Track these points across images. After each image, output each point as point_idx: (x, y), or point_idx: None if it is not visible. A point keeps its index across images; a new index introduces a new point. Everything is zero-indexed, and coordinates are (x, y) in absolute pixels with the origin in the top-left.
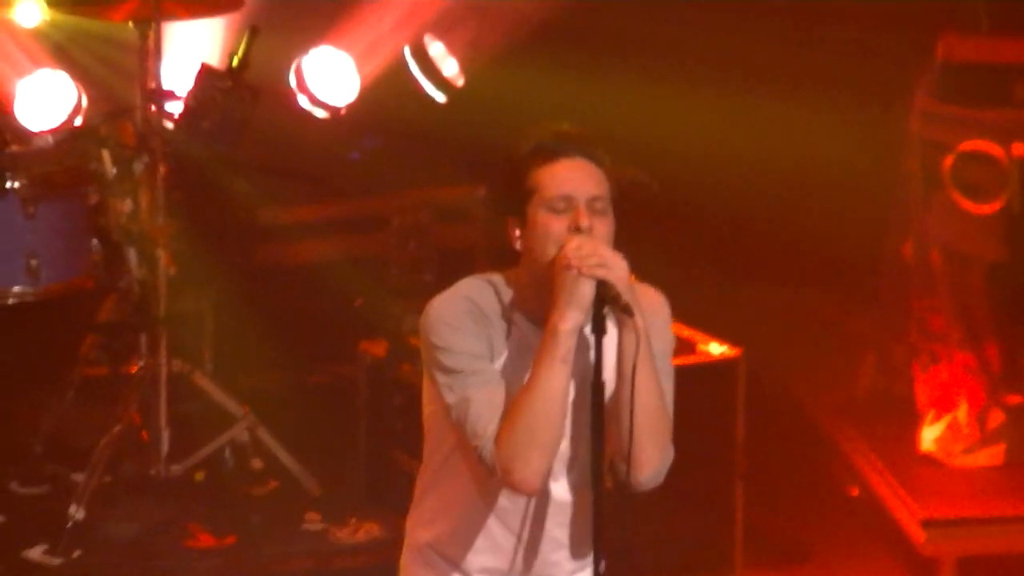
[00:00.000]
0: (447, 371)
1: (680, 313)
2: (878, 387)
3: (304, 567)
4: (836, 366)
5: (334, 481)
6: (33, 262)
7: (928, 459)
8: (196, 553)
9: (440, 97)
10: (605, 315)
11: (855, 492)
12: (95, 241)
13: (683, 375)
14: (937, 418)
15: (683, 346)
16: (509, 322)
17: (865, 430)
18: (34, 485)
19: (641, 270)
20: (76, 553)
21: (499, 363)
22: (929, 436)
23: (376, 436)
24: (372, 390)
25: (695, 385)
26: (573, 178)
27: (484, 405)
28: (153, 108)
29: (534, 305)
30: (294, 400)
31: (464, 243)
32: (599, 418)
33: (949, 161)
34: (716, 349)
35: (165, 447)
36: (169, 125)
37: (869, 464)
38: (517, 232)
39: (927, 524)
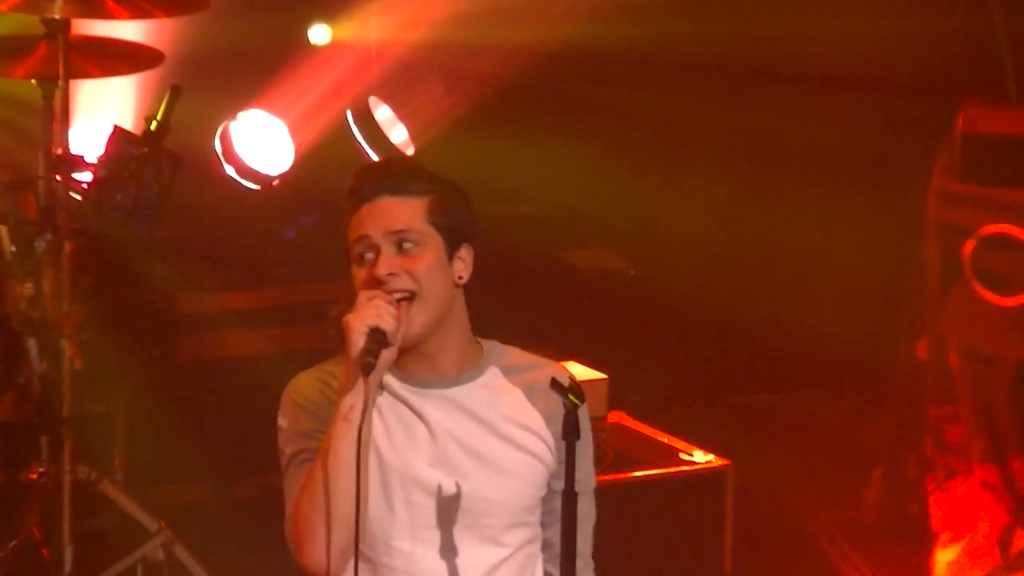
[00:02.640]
0: (280, 453)
1: (661, 418)
2: (886, 505)
3: None
4: (839, 481)
5: None
6: None
7: None
8: None
9: None
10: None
11: None
12: None
13: (663, 486)
14: (953, 541)
15: (664, 454)
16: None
17: (871, 554)
18: None
19: (614, 367)
20: None
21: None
22: (943, 560)
23: None
24: None
25: (677, 498)
26: (371, 221)
27: (293, 484)
28: (58, 178)
29: (400, 359)
30: (218, 515)
31: None
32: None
33: (970, 247)
34: (701, 458)
35: (68, 566)
36: (77, 197)
37: None
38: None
39: None
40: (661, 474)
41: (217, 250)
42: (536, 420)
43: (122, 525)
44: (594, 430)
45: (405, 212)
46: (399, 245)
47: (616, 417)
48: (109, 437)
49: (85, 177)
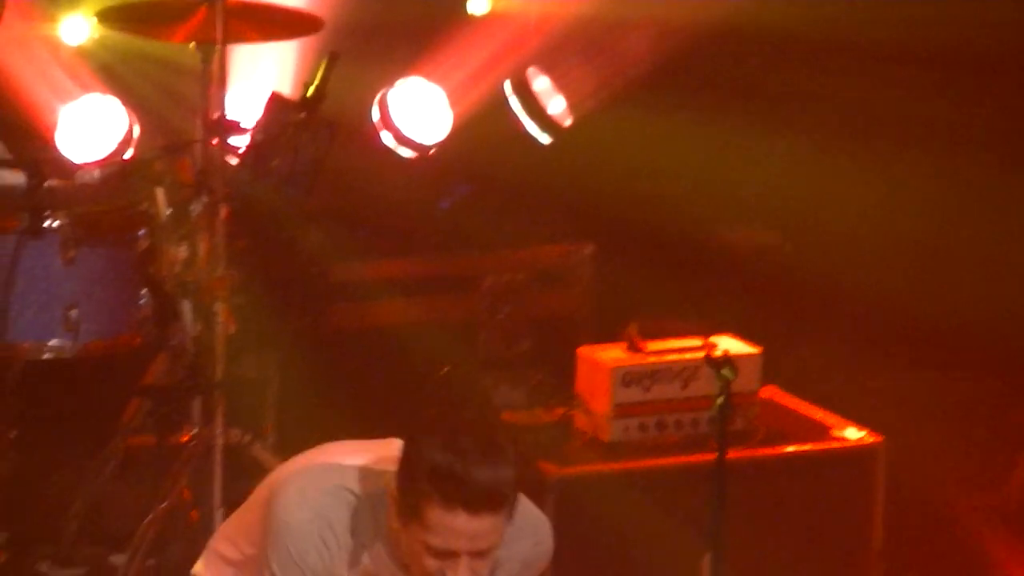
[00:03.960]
0: None
1: (814, 393)
2: None
3: None
4: (990, 464)
5: None
6: (72, 314)
7: None
8: None
9: (544, 139)
10: None
11: None
12: (144, 292)
13: (813, 463)
14: None
15: (815, 430)
16: (365, 550)
17: (1017, 538)
18: (68, 567)
19: (769, 342)
20: None
21: None
22: None
23: None
24: None
25: (827, 476)
26: (466, 537)
27: None
28: (215, 142)
29: (399, 548)
30: None
31: (565, 309)
32: None
33: None
34: (853, 434)
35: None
36: (233, 162)
37: None
38: (394, 501)
39: None
40: (812, 450)
41: (371, 218)
42: None
43: None
44: (746, 404)
45: (496, 530)
46: (476, 555)
47: (769, 392)
48: (261, 401)
49: (241, 142)
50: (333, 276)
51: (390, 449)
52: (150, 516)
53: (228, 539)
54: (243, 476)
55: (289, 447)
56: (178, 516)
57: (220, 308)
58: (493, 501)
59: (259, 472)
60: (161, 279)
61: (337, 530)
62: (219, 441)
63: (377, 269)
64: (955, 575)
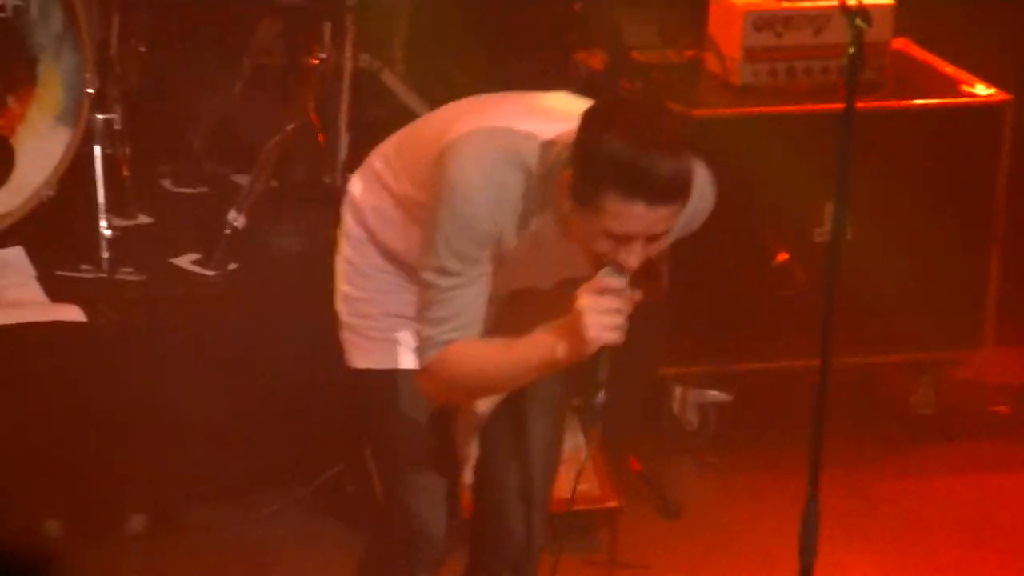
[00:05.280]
0: (434, 253)
1: (946, 49)
2: None
3: None
4: None
5: None
6: None
7: None
8: None
9: None
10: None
11: None
12: None
13: (940, 117)
14: None
15: (945, 84)
16: (534, 216)
17: None
18: (190, 185)
19: None
20: (232, 266)
21: (507, 247)
22: None
23: None
24: None
25: (954, 130)
26: (644, 224)
27: (449, 306)
28: None
29: (563, 219)
30: None
31: None
32: None
33: None
34: (983, 91)
35: (343, 153)
36: None
37: None
38: (569, 188)
39: None
40: (940, 104)
41: None
42: None
43: (399, 116)
44: (877, 55)
45: (673, 216)
46: (650, 239)
47: (900, 44)
48: (392, 27)
49: None
50: None
51: (561, 118)
52: (276, 137)
53: (389, 166)
54: (371, 102)
55: (418, 75)
56: (304, 138)
57: None
58: (673, 193)
59: (387, 98)
60: None
61: (510, 196)
62: (348, 65)
63: None
64: None
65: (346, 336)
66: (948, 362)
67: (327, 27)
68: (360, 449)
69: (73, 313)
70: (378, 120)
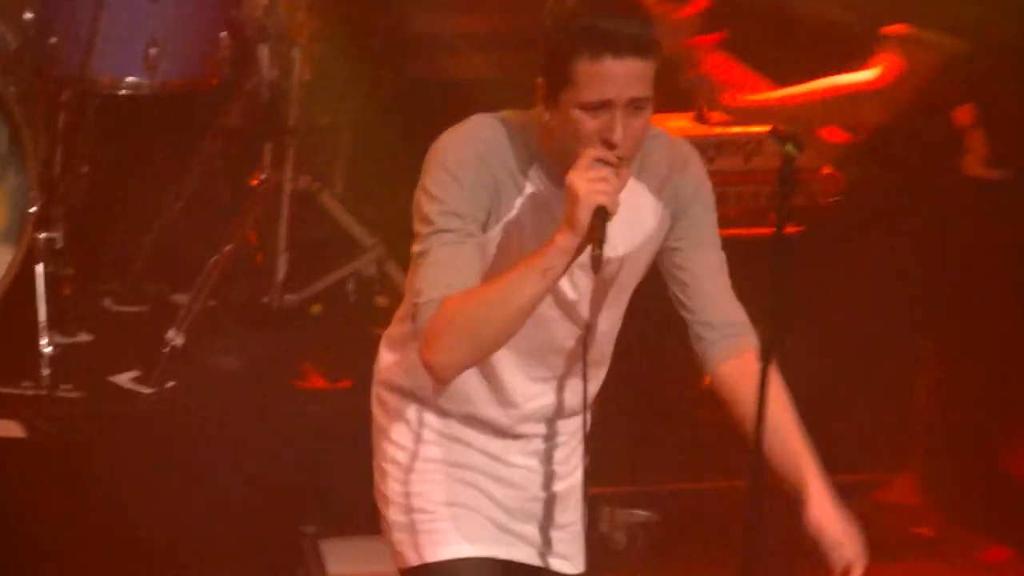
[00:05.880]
0: (423, 219)
1: None
2: None
3: None
4: None
5: None
6: (152, 51)
7: None
8: (304, 395)
9: None
10: (603, 239)
11: None
12: (224, 35)
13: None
14: None
15: None
16: (525, 175)
17: None
18: (130, 304)
19: None
20: (170, 383)
21: (507, 218)
22: None
23: None
24: None
25: (883, 255)
26: (616, 82)
27: (441, 266)
28: None
29: (555, 164)
30: None
31: None
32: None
33: None
34: None
35: (281, 273)
36: None
37: None
38: (543, 100)
39: None
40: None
41: None
42: (649, 207)
43: (337, 237)
44: (809, 180)
45: (646, 77)
46: (631, 108)
47: (831, 169)
48: (332, 149)
49: None
50: (412, 28)
51: None
52: (215, 256)
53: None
54: (310, 223)
55: (357, 196)
56: (243, 258)
57: (297, 54)
58: (637, 44)
59: (326, 219)
60: (241, 22)
61: (495, 148)
62: (288, 186)
63: (456, 23)
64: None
65: (399, 538)
66: (873, 484)
67: (267, 149)
68: None
69: (12, 429)
70: (317, 241)
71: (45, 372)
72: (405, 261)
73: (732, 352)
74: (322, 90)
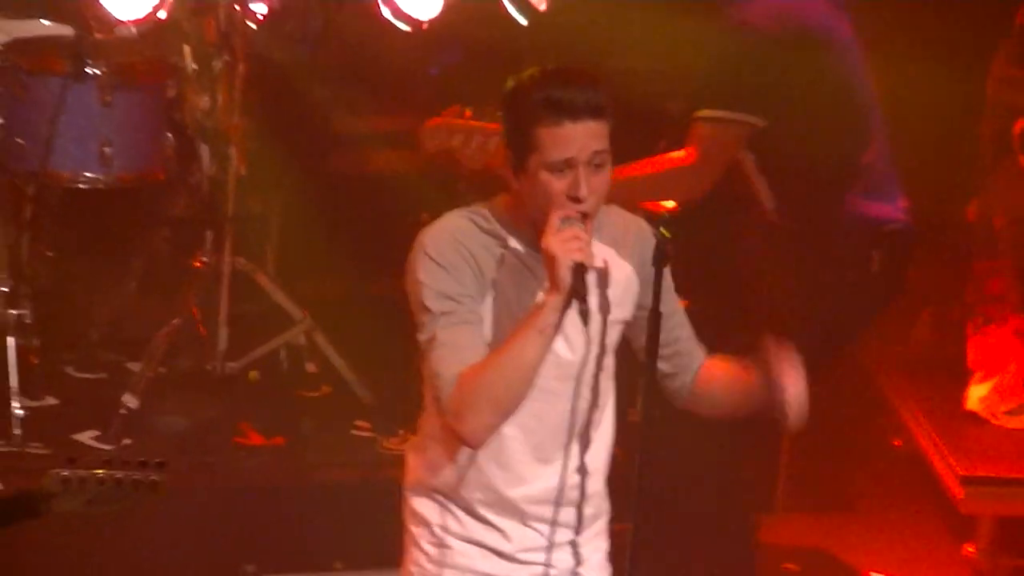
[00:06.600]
0: (421, 308)
1: None
2: (932, 343)
3: (350, 474)
4: (893, 319)
5: (387, 392)
6: (107, 150)
7: (972, 417)
8: (244, 450)
9: (522, 20)
10: (585, 292)
11: (899, 444)
12: (169, 135)
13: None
14: (985, 378)
15: None
16: (503, 248)
17: (914, 384)
18: (90, 371)
19: None
20: (126, 441)
21: (493, 293)
22: (975, 395)
23: None
24: None
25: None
26: (577, 142)
27: (449, 347)
28: (238, 7)
29: (528, 229)
30: (353, 309)
31: None
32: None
33: (1020, 125)
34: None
35: (222, 344)
36: (252, 25)
37: (914, 418)
38: (511, 168)
39: (966, 481)
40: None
41: (370, 78)
42: (618, 266)
43: (270, 312)
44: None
45: (602, 135)
46: (592, 165)
47: None
48: (264, 235)
49: (261, 8)
50: (334, 127)
51: None
52: (164, 329)
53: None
54: (246, 299)
55: (287, 275)
56: (188, 331)
57: (234, 151)
58: (592, 108)
59: (261, 296)
60: (184, 123)
61: (468, 232)
62: (227, 268)
63: (373, 123)
64: (854, 410)
65: None
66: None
67: (209, 235)
68: None
69: None
70: (253, 315)
71: (16, 432)
72: (331, 331)
73: (698, 373)
74: (255, 183)
